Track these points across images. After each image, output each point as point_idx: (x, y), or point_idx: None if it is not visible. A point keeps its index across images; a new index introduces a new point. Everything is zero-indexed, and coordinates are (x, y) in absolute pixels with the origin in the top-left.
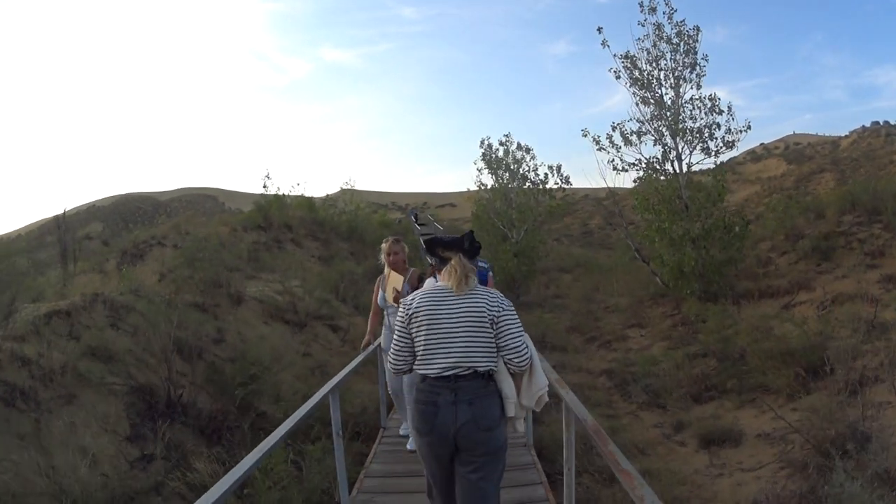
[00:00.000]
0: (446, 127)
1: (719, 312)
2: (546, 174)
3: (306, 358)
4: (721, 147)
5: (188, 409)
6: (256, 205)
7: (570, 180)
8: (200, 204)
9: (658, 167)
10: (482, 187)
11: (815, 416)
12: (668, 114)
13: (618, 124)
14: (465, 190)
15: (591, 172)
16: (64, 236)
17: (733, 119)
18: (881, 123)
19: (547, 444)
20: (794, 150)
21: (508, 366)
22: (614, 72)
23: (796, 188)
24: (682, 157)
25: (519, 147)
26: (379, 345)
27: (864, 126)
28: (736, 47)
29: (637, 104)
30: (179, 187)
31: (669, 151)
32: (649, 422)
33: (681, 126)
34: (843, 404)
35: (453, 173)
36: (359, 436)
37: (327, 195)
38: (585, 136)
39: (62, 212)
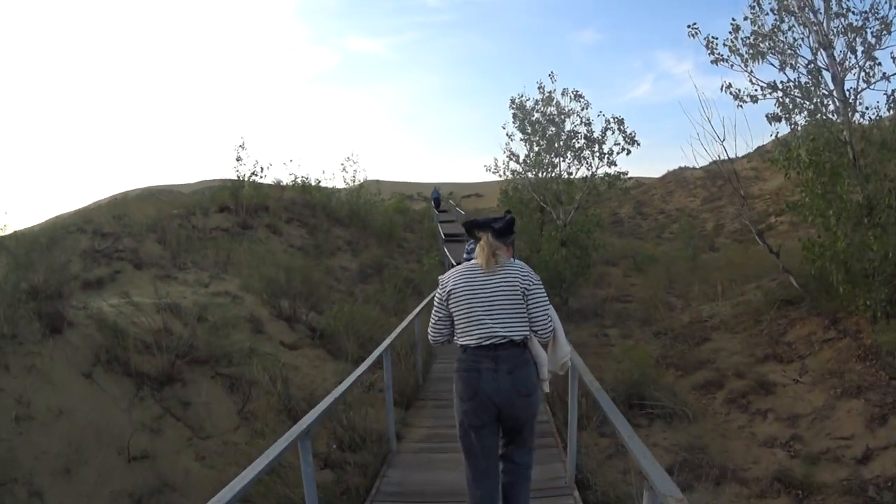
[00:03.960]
0: (473, 116)
1: None
2: (604, 130)
3: (138, 464)
4: None
5: None
6: (221, 185)
7: (637, 138)
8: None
9: (809, 96)
10: (512, 158)
11: None
12: (817, 10)
13: (741, 22)
14: (490, 172)
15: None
16: None
17: None
18: None
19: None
20: None
21: (534, 336)
22: None
23: None
24: (843, 83)
25: (565, 94)
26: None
27: None
28: None
29: (756, 3)
30: (201, 179)
31: (818, 73)
32: None
33: (837, 26)
34: None
35: (480, 162)
36: None
37: (352, 184)
38: (693, 36)
39: None
